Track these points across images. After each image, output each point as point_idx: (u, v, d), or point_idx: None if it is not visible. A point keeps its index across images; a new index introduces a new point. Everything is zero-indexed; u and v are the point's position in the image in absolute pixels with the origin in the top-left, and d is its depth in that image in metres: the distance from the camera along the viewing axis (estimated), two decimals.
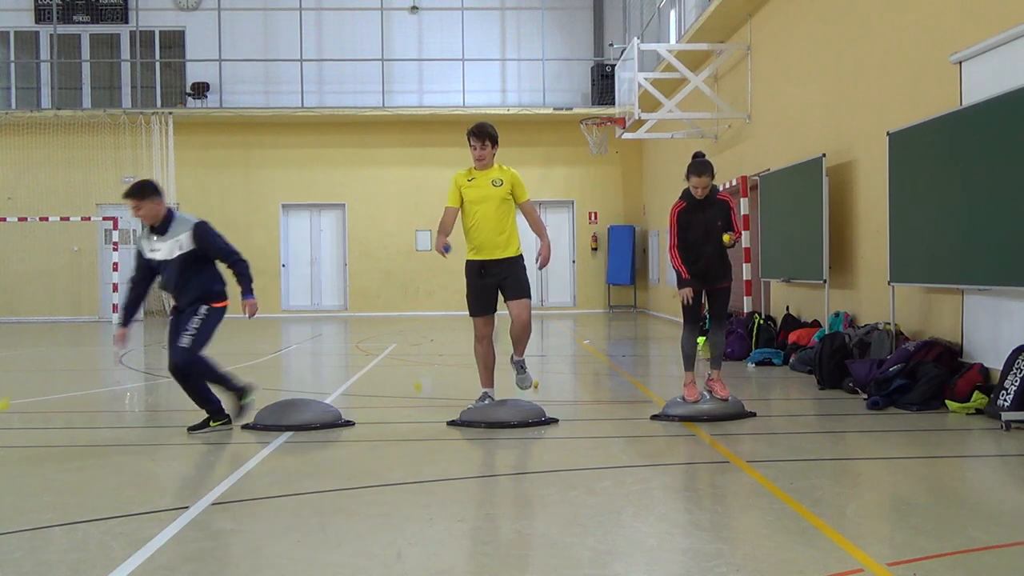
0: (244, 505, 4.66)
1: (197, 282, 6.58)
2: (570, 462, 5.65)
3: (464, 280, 7.26)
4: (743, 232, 11.03)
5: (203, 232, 6.57)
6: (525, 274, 7.20)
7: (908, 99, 8.86)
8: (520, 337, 7.24)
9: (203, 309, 6.54)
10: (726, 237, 6.88)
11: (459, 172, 7.24)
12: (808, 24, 11.63)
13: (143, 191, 6.49)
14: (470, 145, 7.08)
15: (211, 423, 6.62)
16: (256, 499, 4.74)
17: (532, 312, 7.22)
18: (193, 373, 6.53)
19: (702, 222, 6.98)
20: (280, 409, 6.84)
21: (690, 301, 7.03)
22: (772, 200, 12.04)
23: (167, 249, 6.51)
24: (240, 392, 6.80)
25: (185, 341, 6.43)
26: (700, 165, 6.94)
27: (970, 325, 7.80)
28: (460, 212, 7.18)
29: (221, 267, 6.77)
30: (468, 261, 7.18)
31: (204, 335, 6.53)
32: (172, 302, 6.73)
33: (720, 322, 7.28)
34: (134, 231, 21.73)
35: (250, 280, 6.71)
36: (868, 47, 9.82)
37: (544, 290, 22.67)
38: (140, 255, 6.67)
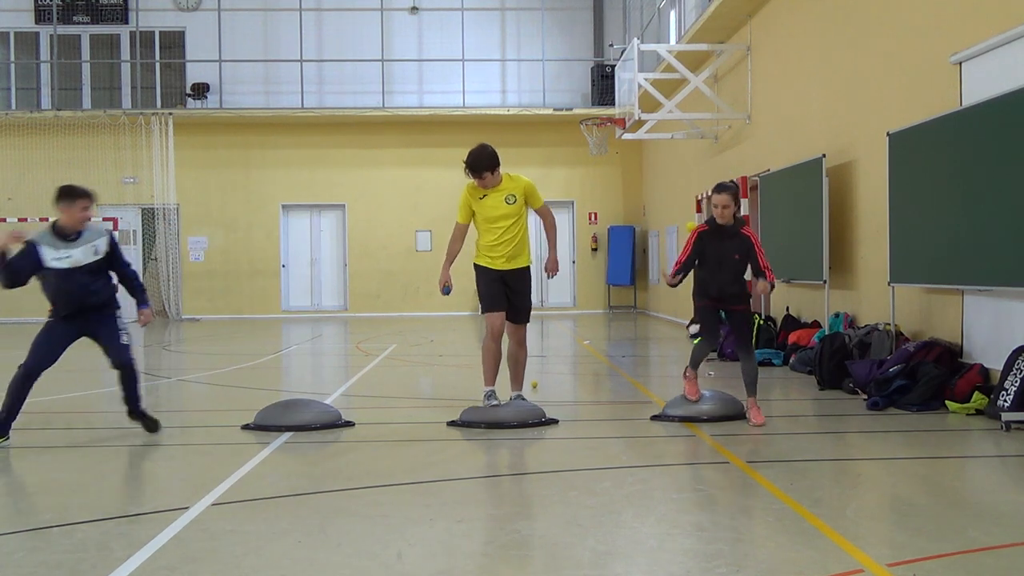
0: (244, 505, 4.66)
1: (108, 286, 6.51)
2: (570, 463, 5.65)
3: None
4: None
5: (115, 241, 6.61)
6: (531, 292, 7.31)
7: (908, 99, 8.86)
8: (517, 360, 7.32)
9: (119, 313, 6.56)
10: (761, 284, 6.77)
11: (470, 185, 7.11)
12: (808, 24, 11.63)
13: (88, 191, 6.51)
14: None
15: None
16: (256, 499, 4.73)
17: (532, 313, 7.40)
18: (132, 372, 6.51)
19: (718, 252, 6.83)
20: (280, 409, 6.85)
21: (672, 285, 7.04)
22: (772, 200, 12.05)
23: (80, 255, 6.35)
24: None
25: (126, 339, 6.48)
26: (719, 185, 6.87)
27: (970, 325, 7.80)
28: (472, 226, 7.23)
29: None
30: (483, 267, 7.18)
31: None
32: (61, 308, 6.49)
33: (746, 347, 7.06)
34: (134, 231, 21.70)
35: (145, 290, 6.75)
36: (868, 47, 9.82)
37: (544, 291, 22.64)
38: (33, 262, 6.37)
